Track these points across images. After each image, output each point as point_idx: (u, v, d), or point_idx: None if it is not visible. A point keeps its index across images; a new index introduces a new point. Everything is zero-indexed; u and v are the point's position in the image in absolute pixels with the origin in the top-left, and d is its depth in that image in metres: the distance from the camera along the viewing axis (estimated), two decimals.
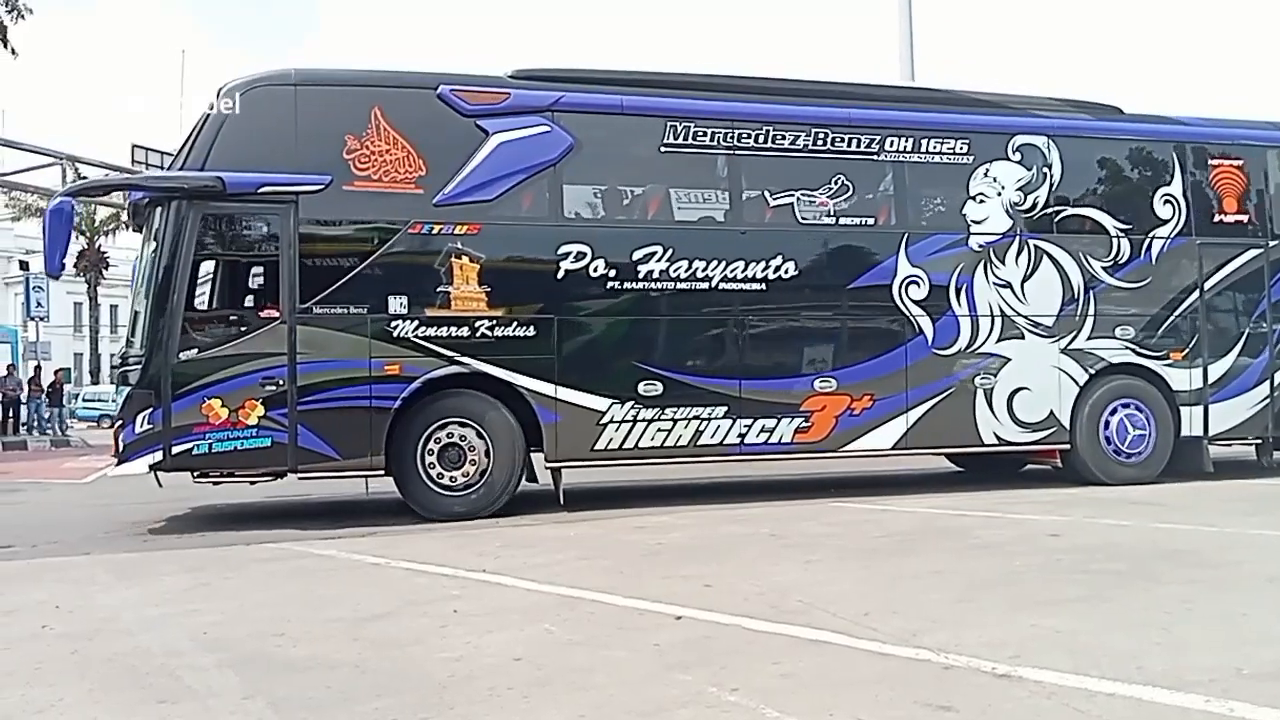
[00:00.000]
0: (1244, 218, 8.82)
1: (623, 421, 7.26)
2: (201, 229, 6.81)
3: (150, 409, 6.60)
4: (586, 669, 3.15)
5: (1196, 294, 8.57)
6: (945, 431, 7.98)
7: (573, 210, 7.53)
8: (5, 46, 18.50)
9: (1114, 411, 8.31)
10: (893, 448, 7.86)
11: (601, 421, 7.22)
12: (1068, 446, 8.24)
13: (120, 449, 6.69)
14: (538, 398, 7.13)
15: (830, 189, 7.90)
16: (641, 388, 7.30)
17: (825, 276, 7.92)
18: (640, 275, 7.39)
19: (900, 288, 7.90)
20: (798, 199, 7.86)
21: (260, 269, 7.27)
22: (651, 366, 7.36)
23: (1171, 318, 8.50)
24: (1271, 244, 8.82)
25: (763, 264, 7.61)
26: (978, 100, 8.55)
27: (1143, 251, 8.48)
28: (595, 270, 7.29)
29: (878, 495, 7.81)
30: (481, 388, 7.09)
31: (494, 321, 7.07)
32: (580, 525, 6.56)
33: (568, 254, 7.24)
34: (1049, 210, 8.36)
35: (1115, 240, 8.43)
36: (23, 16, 18.73)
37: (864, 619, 3.65)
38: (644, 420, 7.30)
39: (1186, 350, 8.50)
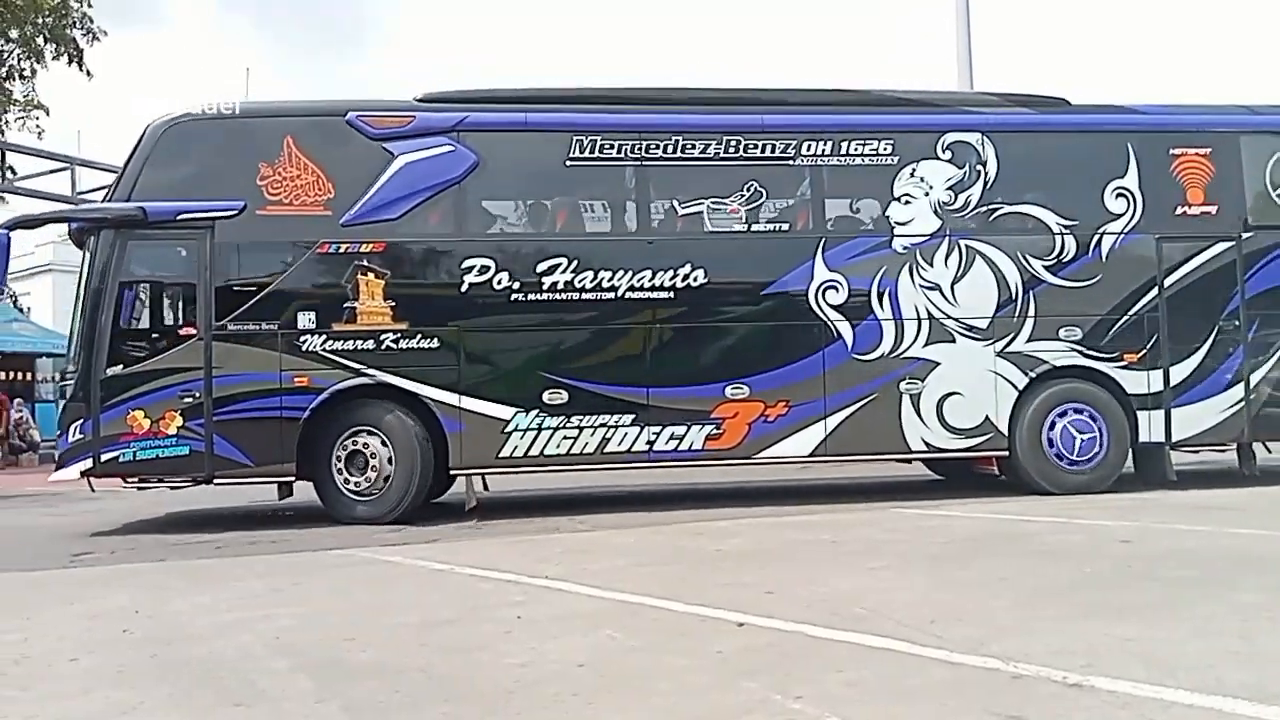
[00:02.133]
0: (1211, 209, 8.21)
1: (527, 429, 7.42)
2: (126, 254, 7.34)
3: (82, 420, 7.18)
4: (650, 675, 3.16)
5: (1154, 292, 8.05)
6: (868, 438, 7.81)
7: (477, 226, 7.74)
8: (81, 69, 19.11)
9: (1059, 416, 7.93)
10: (810, 454, 7.78)
11: (506, 430, 7.40)
12: (1006, 453, 7.93)
13: (57, 457, 7.29)
14: (442, 407, 7.37)
15: (743, 196, 7.85)
16: (546, 396, 7.44)
17: (736, 284, 7.87)
18: (544, 287, 7.52)
19: (817, 293, 7.77)
20: (708, 207, 7.85)
21: (180, 290, 7.71)
22: (556, 375, 7.49)
23: (1125, 318, 8.01)
24: (1245, 236, 8.18)
25: (671, 273, 7.63)
26: (904, 100, 8.30)
27: (1090, 249, 8.04)
28: (499, 283, 7.47)
29: (938, 500, 7.74)
30: (389, 398, 7.38)
31: (399, 334, 7.35)
32: (639, 531, 6.61)
33: (471, 268, 7.45)
34: (982, 209, 8.04)
35: (1059, 238, 8.02)
36: (97, 39, 19.32)
37: (929, 626, 3.59)
38: (549, 428, 7.43)
39: (1143, 352, 8.00)
